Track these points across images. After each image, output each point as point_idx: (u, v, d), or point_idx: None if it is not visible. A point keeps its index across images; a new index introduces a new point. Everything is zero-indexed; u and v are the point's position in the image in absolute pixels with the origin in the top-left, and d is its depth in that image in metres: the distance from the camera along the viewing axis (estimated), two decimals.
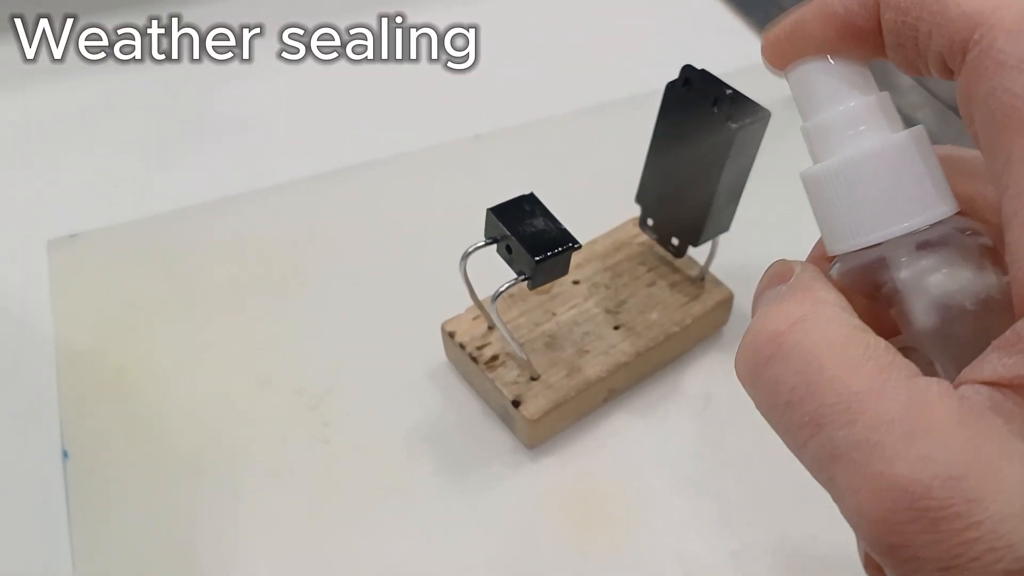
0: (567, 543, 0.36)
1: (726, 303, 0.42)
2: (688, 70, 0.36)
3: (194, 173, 0.52)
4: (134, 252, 0.47)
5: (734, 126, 0.35)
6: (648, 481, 0.38)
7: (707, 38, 0.61)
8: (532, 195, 0.36)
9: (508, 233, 0.34)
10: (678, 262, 0.43)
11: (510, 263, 0.35)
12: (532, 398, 0.38)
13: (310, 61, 0.59)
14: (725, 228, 0.40)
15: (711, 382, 0.41)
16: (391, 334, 0.43)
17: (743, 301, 0.43)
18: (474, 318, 0.40)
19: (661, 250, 0.43)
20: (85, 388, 0.41)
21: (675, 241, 0.41)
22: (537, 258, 0.33)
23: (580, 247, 0.34)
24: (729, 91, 0.35)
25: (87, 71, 0.58)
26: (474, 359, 0.39)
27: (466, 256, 0.36)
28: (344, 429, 0.40)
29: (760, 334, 0.20)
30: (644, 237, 0.43)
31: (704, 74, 0.36)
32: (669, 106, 0.38)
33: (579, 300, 0.41)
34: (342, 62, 0.59)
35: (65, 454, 0.38)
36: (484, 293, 0.37)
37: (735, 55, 0.58)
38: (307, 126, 0.55)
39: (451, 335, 0.40)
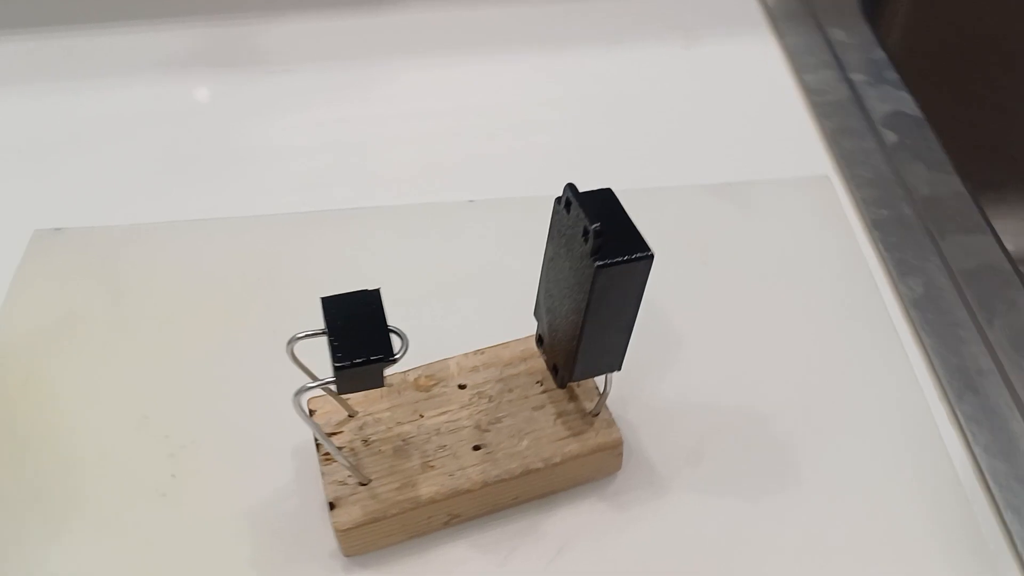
0: None
1: (612, 448, 0.37)
2: (569, 190, 0.32)
3: (189, 193, 0.52)
4: (101, 257, 0.48)
5: (598, 264, 0.31)
6: None
7: (776, 139, 0.55)
8: (375, 292, 0.33)
9: (326, 330, 0.32)
10: (579, 391, 0.38)
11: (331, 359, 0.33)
12: (349, 505, 0.35)
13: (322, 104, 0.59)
14: (615, 367, 0.35)
15: (572, 532, 0.37)
16: (273, 397, 0.41)
17: (649, 446, 0.38)
18: (347, 398, 0.38)
19: None
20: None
21: (557, 370, 0.36)
22: (337, 364, 0.31)
23: (392, 361, 0.31)
24: (596, 224, 0.30)
25: (138, 77, 0.61)
26: (318, 445, 0.37)
27: (293, 340, 0.34)
28: (186, 486, 0.38)
29: None
30: None
31: (587, 197, 0.32)
32: (554, 224, 0.34)
33: (455, 408, 0.38)
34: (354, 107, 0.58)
35: None
36: None
37: (797, 161, 0.52)
38: (295, 164, 0.54)
39: (311, 412, 0.38)
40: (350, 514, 0.34)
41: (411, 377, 0.39)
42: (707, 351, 0.43)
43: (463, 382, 0.39)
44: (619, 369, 0.35)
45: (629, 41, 0.63)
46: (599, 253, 0.31)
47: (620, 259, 0.31)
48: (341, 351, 0.31)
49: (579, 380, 0.36)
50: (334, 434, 0.37)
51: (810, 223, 0.49)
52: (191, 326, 0.45)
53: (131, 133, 0.57)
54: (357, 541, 0.35)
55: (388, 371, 0.38)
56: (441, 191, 0.52)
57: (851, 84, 0.57)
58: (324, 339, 0.32)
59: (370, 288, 0.33)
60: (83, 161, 0.55)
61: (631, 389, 0.41)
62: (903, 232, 0.48)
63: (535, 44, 0.63)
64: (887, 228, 0.48)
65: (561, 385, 0.37)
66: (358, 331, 0.32)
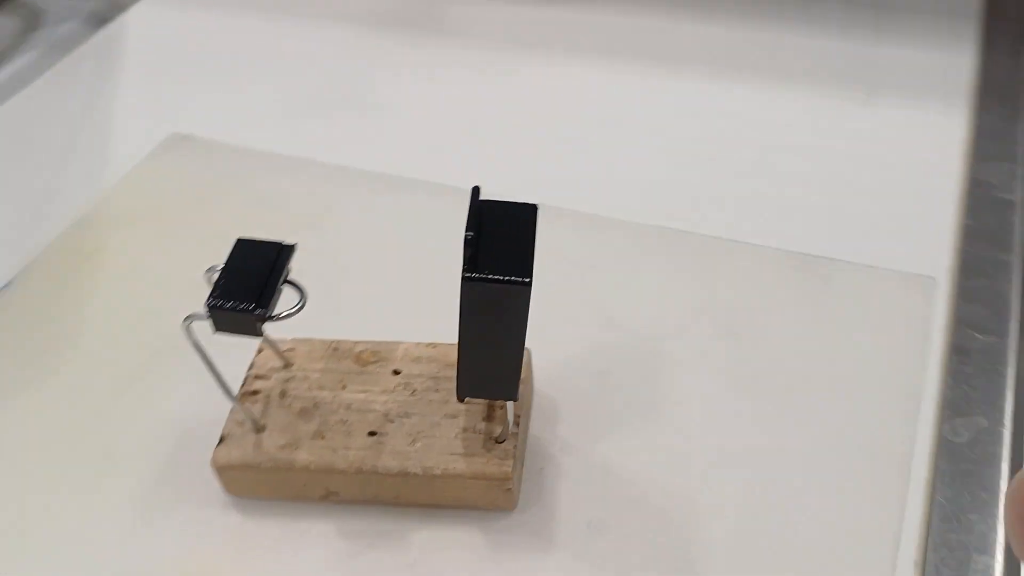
0: None
1: (497, 480, 0.34)
2: (473, 192, 0.30)
3: (322, 135, 0.55)
4: (218, 170, 0.53)
5: (463, 276, 0.29)
6: None
7: (905, 223, 0.47)
8: (286, 247, 0.33)
9: (227, 262, 0.33)
10: (499, 414, 0.36)
11: None
12: (233, 444, 0.36)
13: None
14: (509, 396, 0.33)
15: (434, 553, 0.35)
16: None
17: (559, 498, 0.36)
18: (287, 350, 0.39)
19: None
20: (70, 251, 0.48)
21: None
22: (208, 303, 0.31)
23: (259, 316, 0.31)
24: (470, 233, 0.28)
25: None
26: (244, 381, 0.38)
27: (210, 271, 0.34)
28: (145, 392, 0.42)
29: None
30: None
31: (495, 206, 0.30)
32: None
33: (376, 390, 0.37)
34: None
35: (6, 285, 0.47)
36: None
37: (912, 253, 0.45)
38: (431, 133, 0.55)
39: (258, 351, 0.39)
40: (229, 453, 0.35)
41: (357, 349, 0.39)
42: (689, 418, 0.39)
43: (399, 368, 0.38)
44: (514, 399, 0.33)
45: (803, 85, 0.57)
46: (469, 265, 0.29)
47: (491, 277, 0.29)
48: (219, 292, 0.32)
49: (468, 397, 0.34)
50: (260, 377, 0.38)
51: (880, 321, 0.42)
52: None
53: (291, 68, 0.61)
54: (234, 482, 0.36)
55: (339, 336, 0.39)
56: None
57: (1021, 181, 0.48)
58: None
59: (286, 243, 0.33)
60: (237, 81, 0.60)
61: (575, 435, 0.38)
62: (984, 366, 0.39)
63: (705, 70, 0.59)
64: (969, 357, 0.40)
65: (459, 399, 0.35)
66: (247, 277, 0.32)
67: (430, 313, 0.36)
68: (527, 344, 0.38)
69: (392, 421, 0.36)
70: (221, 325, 0.32)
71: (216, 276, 0.33)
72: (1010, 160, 0.50)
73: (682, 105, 0.56)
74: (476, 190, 0.30)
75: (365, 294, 0.45)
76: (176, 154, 0.54)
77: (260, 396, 0.37)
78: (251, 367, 0.39)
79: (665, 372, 0.40)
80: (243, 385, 0.38)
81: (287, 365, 0.38)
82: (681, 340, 0.42)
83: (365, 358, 0.39)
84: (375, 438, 0.36)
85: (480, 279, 0.29)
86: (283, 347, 0.39)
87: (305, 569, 0.35)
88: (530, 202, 0.31)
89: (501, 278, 0.29)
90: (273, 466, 0.35)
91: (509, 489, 0.35)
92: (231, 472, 0.36)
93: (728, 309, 0.43)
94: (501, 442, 0.35)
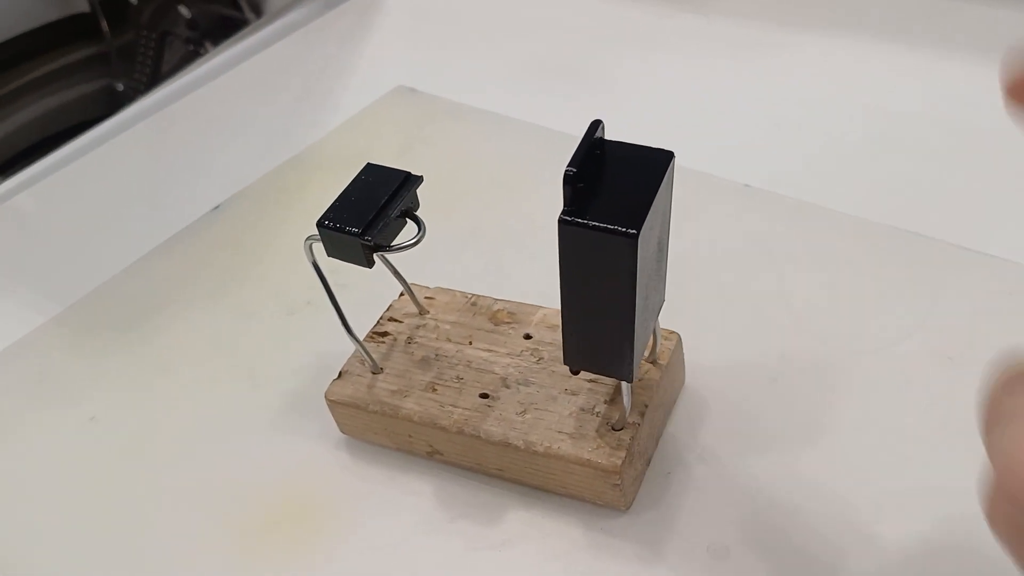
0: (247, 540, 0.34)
1: (604, 471, 0.30)
2: (595, 125, 0.26)
3: (548, 102, 0.53)
4: (431, 122, 0.52)
5: (560, 216, 0.25)
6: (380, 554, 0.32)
7: None
8: (413, 179, 0.31)
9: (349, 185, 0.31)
10: (620, 398, 0.31)
11: None
12: (348, 381, 0.34)
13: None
14: (622, 376, 0.28)
15: (527, 537, 0.31)
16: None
17: (678, 509, 0.31)
18: (428, 297, 0.37)
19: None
20: (284, 177, 0.50)
21: None
22: (321, 220, 0.30)
23: (370, 245, 0.29)
24: (570, 169, 0.24)
25: None
26: (378, 322, 0.36)
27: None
28: (313, 317, 0.42)
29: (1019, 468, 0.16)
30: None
31: (621, 148, 0.26)
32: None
33: (502, 352, 0.34)
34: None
35: (218, 206, 0.49)
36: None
37: None
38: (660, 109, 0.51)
39: (400, 295, 0.38)
40: (342, 389, 0.34)
41: (495, 307, 0.36)
42: (868, 447, 0.31)
43: (531, 333, 0.35)
44: (629, 380, 0.28)
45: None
46: (574, 207, 0.25)
47: (590, 223, 0.24)
48: (331, 213, 0.30)
49: (575, 368, 0.29)
50: (393, 320, 0.36)
51: None
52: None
53: (528, 34, 0.60)
54: (346, 421, 0.35)
55: (476, 291, 0.37)
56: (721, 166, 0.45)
57: None
58: None
59: (414, 173, 0.31)
60: (473, 42, 0.60)
61: (719, 444, 0.32)
62: None
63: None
64: None
65: (569, 367, 0.30)
66: (363, 203, 0.30)
67: None
68: (678, 328, 0.33)
69: (508, 387, 0.33)
70: (332, 249, 0.31)
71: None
72: None
73: (947, 96, 0.47)
74: (596, 125, 0.26)
75: (536, 256, 0.42)
76: (397, 104, 0.55)
77: (387, 339, 0.36)
78: (387, 309, 0.37)
79: (851, 391, 0.33)
80: (374, 325, 0.36)
81: (422, 312, 0.36)
82: (880, 357, 0.34)
83: (500, 317, 0.36)
84: (485, 401, 0.32)
85: (577, 223, 0.24)
86: (424, 294, 0.37)
87: (393, 523, 0.32)
88: (667, 148, 0.26)
89: (602, 225, 0.24)
90: (379, 410, 0.33)
91: (617, 485, 0.30)
92: (341, 409, 0.34)
93: (948, 329, 0.35)
94: (618, 430, 0.30)
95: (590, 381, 0.32)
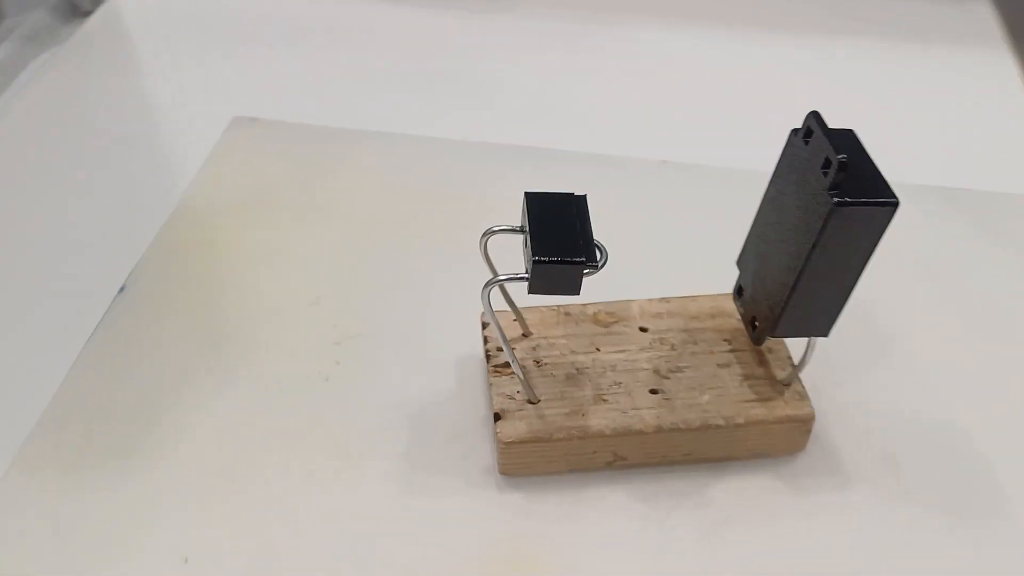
0: None
1: (802, 423, 0.34)
2: (812, 119, 0.29)
3: (403, 108, 0.52)
4: (292, 151, 0.49)
5: (835, 200, 0.28)
6: None
7: (1007, 153, 0.50)
8: (582, 198, 0.31)
9: (528, 224, 0.30)
10: (770, 357, 0.35)
11: (524, 256, 0.31)
12: (515, 419, 0.33)
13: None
14: (822, 332, 0.32)
15: (741, 507, 0.34)
16: (445, 303, 0.40)
17: (833, 427, 0.35)
18: (515, 319, 0.36)
19: None
20: (176, 246, 0.43)
21: (756, 324, 0.34)
22: (536, 258, 0.29)
23: (594, 268, 0.29)
24: (843, 156, 0.28)
25: None
26: (488, 357, 0.35)
27: (488, 234, 0.32)
28: (349, 374, 0.38)
29: None
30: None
31: (841, 132, 0.29)
32: (785, 158, 0.31)
33: (634, 348, 0.36)
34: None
35: (122, 288, 0.41)
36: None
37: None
38: (537, 96, 0.54)
39: (484, 325, 0.37)
40: (515, 428, 0.33)
41: (590, 311, 0.37)
42: (913, 355, 0.39)
43: (644, 325, 0.37)
44: (826, 335, 0.32)
45: (856, 35, 0.59)
46: (839, 189, 0.28)
47: (861, 200, 0.28)
48: (540, 247, 0.29)
49: (780, 337, 0.33)
50: (501, 350, 0.35)
51: None
52: (371, 227, 0.44)
53: (344, 42, 0.58)
54: (517, 459, 0.34)
55: (564, 300, 0.37)
56: (635, 148, 0.50)
57: None
58: (517, 238, 0.31)
59: (577, 193, 0.31)
60: (292, 58, 0.56)
61: (822, 371, 0.38)
62: None
63: (774, 23, 0.60)
64: None
65: (757, 342, 0.34)
66: (560, 231, 0.30)
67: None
68: None
69: (667, 377, 0.35)
70: (539, 285, 0.30)
71: (523, 236, 0.30)
72: None
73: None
74: (815, 114, 0.29)
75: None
76: (248, 138, 0.50)
77: (509, 370, 0.35)
78: (486, 342, 0.36)
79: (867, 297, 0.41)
80: (489, 360, 0.35)
81: (526, 335, 0.36)
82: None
83: (602, 319, 0.37)
84: (659, 396, 0.34)
85: (851, 203, 0.28)
86: (504, 317, 0.36)
87: (614, 538, 0.33)
88: (846, 128, 0.30)
89: (873, 200, 0.28)
90: (565, 436, 0.33)
91: (809, 431, 0.34)
92: (518, 448, 0.33)
93: (910, 245, 0.44)
94: (788, 385, 0.34)
95: (731, 351, 0.35)
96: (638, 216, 0.45)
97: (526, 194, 0.31)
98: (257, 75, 0.55)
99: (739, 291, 0.35)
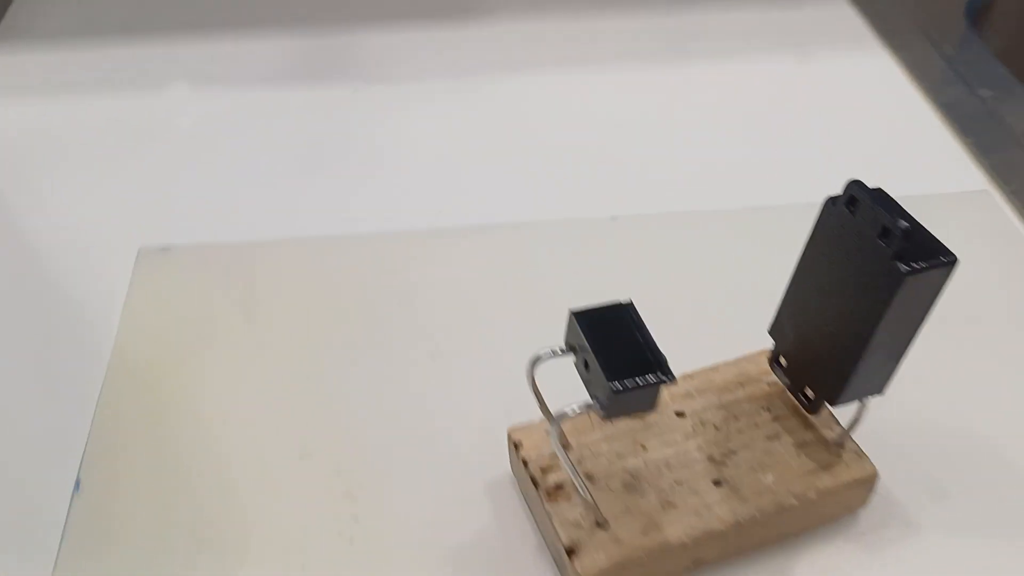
0: None
1: (866, 482, 0.33)
2: (856, 187, 0.29)
3: (311, 204, 0.48)
4: (220, 277, 0.44)
5: (904, 269, 0.27)
6: None
7: (915, 155, 0.52)
8: (630, 305, 0.29)
9: (588, 346, 0.27)
10: (813, 417, 0.34)
11: (586, 383, 0.29)
12: (591, 550, 0.30)
13: (464, 107, 0.55)
14: (878, 391, 0.31)
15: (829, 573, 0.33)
16: (455, 426, 0.37)
17: (891, 481, 0.34)
18: (548, 431, 0.34)
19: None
20: (123, 418, 0.37)
21: (809, 393, 0.33)
22: (616, 386, 0.26)
23: (675, 382, 0.27)
24: (905, 224, 0.27)
25: (237, 83, 0.57)
26: (535, 483, 0.32)
27: (536, 363, 0.29)
28: (373, 530, 0.34)
29: None
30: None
31: (877, 194, 0.28)
32: (825, 227, 0.30)
33: (679, 437, 0.34)
34: (504, 113, 0.55)
35: (77, 484, 0.35)
36: (566, 400, 0.31)
37: (941, 178, 0.50)
38: (443, 174, 0.50)
39: (516, 446, 0.34)
40: (594, 561, 0.30)
41: None
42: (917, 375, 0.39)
43: (680, 409, 0.35)
44: (881, 393, 0.32)
45: (741, 56, 0.60)
46: (903, 258, 0.27)
47: (925, 264, 0.27)
48: (612, 371, 0.27)
49: (842, 405, 0.32)
50: (550, 469, 0.33)
51: (980, 237, 0.46)
52: (335, 341, 0.40)
53: (228, 147, 0.52)
54: None
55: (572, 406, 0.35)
56: (579, 206, 0.48)
57: (982, 99, 0.55)
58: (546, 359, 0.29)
59: (622, 301, 0.29)
60: (181, 175, 0.50)
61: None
62: None
63: (646, 58, 0.60)
64: None
65: (812, 411, 0.33)
66: (624, 348, 0.28)
67: None
68: None
69: (724, 463, 0.33)
70: (615, 410, 0.27)
71: (575, 357, 0.28)
72: (954, 83, 0.57)
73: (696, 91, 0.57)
74: (858, 183, 0.28)
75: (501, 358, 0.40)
76: (165, 270, 0.44)
77: (564, 490, 0.32)
78: (527, 464, 0.33)
79: None
80: (538, 487, 0.32)
81: (567, 447, 0.33)
82: None
83: None
84: (725, 487, 0.32)
85: (919, 270, 0.27)
86: (535, 432, 0.34)
87: None
88: (876, 187, 0.30)
89: (936, 262, 0.27)
90: (647, 556, 0.30)
91: (872, 488, 0.33)
92: None
93: None
94: (840, 444, 0.34)
95: (774, 420, 0.34)
96: (603, 277, 0.43)
97: (573, 313, 0.28)
98: (147, 197, 0.49)
99: (775, 361, 0.34)
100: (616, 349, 0.27)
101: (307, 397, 0.38)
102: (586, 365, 0.28)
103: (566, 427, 0.34)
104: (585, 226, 0.47)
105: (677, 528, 0.31)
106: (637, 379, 0.27)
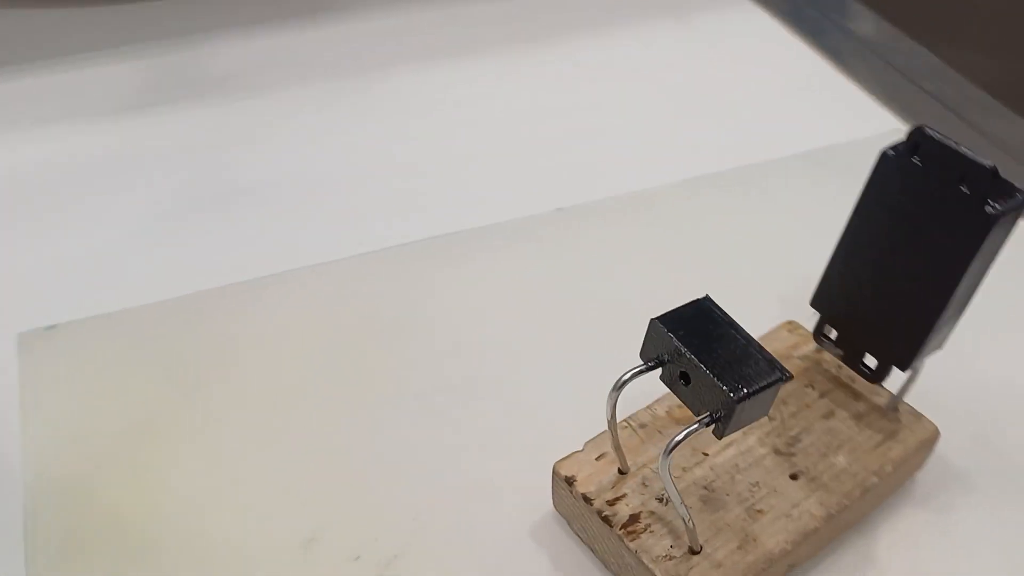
0: None
1: (930, 442, 0.31)
2: (919, 134, 0.26)
3: (210, 250, 0.41)
4: (131, 350, 0.36)
5: (993, 211, 0.25)
6: None
7: (821, 107, 0.52)
8: (708, 299, 0.26)
9: (691, 356, 0.24)
10: (859, 384, 0.32)
11: (683, 397, 0.25)
12: None
13: (351, 117, 0.49)
14: (939, 347, 0.30)
15: (915, 553, 0.31)
16: (479, 474, 0.32)
17: (945, 440, 0.33)
18: (598, 458, 0.30)
19: (832, 368, 0.33)
20: (62, 537, 0.30)
21: (871, 362, 0.30)
22: (737, 394, 0.23)
23: (790, 379, 0.24)
24: (989, 164, 0.25)
25: (75, 124, 0.48)
26: (606, 520, 0.28)
27: (620, 386, 0.25)
28: None
29: None
30: (806, 349, 0.33)
31: (940, 142, 0.26)
32: (883, 180, 0.28)
33: (738, 435, 0.31)
34: (392, 118, 0.50)
35: None
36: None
37: (856, 125, 0.50)
38: (353, 194, 0.45)
39: (568, 481, 0.29)
40: None
41: (661, 411, 0.31)
42: None
43: None
44: (941, 348, 0.30)
45: (626, 25, 0.58)
46: (990, 199, 0.25)
47: (1010, 205, 0.25)
48: (729, 379, 0.23)
49: (911, 368, 0.30)
50: (617, 500, 0.29)
51: None
52: (312, 404, 0.34)
53: (90, 192, 0.44)
54: None
55: (636, 408, 0.31)
56: (517, 204, 0.44)
57: (862, 41, 0.56)
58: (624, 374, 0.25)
59: (698, 298, 0.26)
60: (38, 243, 0.42)
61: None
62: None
63: (528, 39, 0.57)
64: None
65: (875, 380, 0.31)
66: (726, 350, 0.24)
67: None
68: None
69: (793, 454, 0.30)
70: (736, 421, 0.24)
71: (664, 370, 0.24)
72: (836, 31, 0.57)
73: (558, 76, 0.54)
74: (919, 130, 0.26)
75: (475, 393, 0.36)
76: (56, 352, 0.36)
77: (645, 520, 0.28)
78: (590, 501, 0.29)
79: None
80: (609, 522, 0.28)
81: (625, 472, 0.30)
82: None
83: (679, 416, 0.31)
84: (803, 479, 0.30)
85: (1006, 211, 0.25)
86: (583, 462, 0.30)
87: None
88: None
89: (1017, 203, 0.26)
90: (756, 574, 0.27)
91: (933, 448, 0.32)
92: None
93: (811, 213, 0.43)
94: (895, 408, 0.32)
95: (821, 397, 0.32)
96: (564, 272, 0.40)
97: (655, 321, 0.25)
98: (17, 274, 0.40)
99: (821, 333, 0.32)
100: (718, 355, 0.24)
101: (289, 472, 0.32)
102: (683, 377, 0.24)
103: (609, 453, 0.30)
104: (532, 223, 0.43)
105: (773, 536, 0.28)
106: (755, 384, 0.23)
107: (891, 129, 0.50)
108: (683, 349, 0.24)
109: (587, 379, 0.32)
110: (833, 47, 0.56)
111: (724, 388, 0.23)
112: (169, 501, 0.31)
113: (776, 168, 0.46)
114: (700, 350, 0.24)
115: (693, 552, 0.27)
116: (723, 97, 0.52)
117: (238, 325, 0.37)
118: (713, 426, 0.24)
